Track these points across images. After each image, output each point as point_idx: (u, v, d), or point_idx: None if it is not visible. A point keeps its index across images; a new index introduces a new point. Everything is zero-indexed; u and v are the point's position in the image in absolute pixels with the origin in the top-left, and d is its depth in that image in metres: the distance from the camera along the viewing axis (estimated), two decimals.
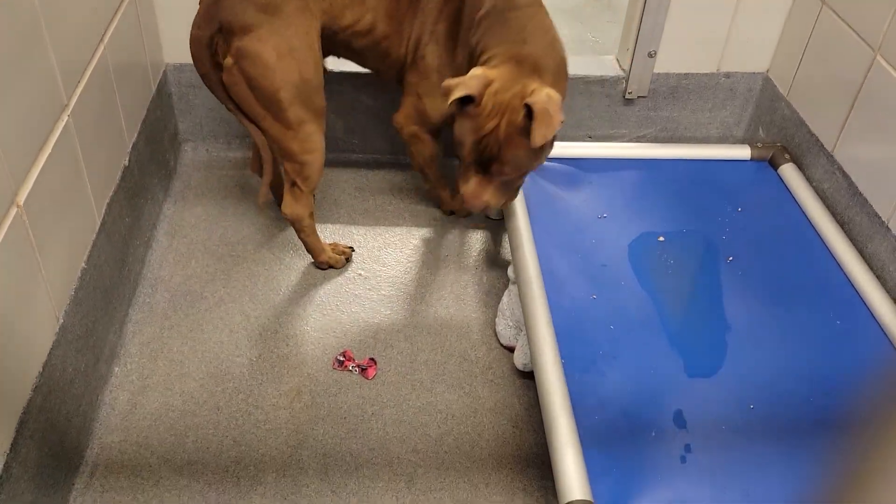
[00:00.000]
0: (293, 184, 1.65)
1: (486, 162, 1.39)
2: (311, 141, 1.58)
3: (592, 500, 1.16)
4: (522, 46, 1.41)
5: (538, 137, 1.30)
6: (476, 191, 1.43)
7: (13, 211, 1.16)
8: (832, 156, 1.79)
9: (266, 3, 1.45)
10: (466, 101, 1.37)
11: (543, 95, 1.32)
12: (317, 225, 1.78)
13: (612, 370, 1.40)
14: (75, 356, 1.37)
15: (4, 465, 1.11)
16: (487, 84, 1.35)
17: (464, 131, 1.38)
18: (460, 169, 1.47)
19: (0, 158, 1.12)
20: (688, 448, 1.28)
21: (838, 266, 1.63)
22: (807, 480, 1.23)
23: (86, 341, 1.43)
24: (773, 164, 1.92)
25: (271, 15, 1.45)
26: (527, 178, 1.80)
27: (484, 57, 1.44)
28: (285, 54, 1.47)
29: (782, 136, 2.01)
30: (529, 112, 1.32)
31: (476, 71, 1.37)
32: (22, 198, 1.18)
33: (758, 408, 1.35)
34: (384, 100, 2.04)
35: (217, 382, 1.55)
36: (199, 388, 1.54)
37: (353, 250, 1.86)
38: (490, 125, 1.35)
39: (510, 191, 1.51)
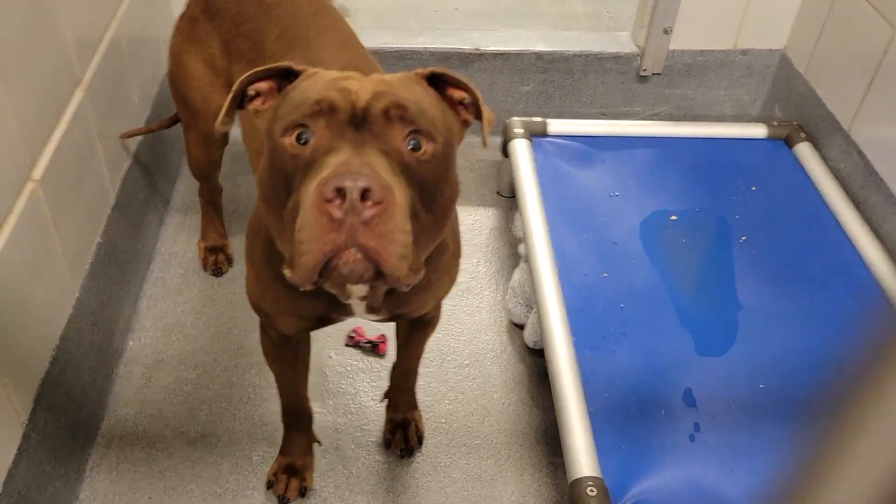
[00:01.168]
0: None
1: (361, 114, 0.82)
2: (188, 142, 1.58)
3: (601, 477, 1.17)
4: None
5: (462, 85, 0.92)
6: (351, 156, 0.80)
7: (29, 186, 1.17)
8: (849, 135, 1.77)
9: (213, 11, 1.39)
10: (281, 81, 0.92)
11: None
12: None
13: (623, 348, 1.41)
14: (91, 330, 1.39)
15: (23, 435, 1.13)
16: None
17: (307, 90, 0.86)
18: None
19: (15, 134, 1.13)
20: (697, 427, 1.29)
21: (852, 247, 1.62)
22: (815, 461, 1.23)
23: (101, 315, 1.45)
24: (789, 143, 1.90)
25: (204, 26, 1.40)
26: (538, 156, 1.79)
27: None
28: (186, 64, 1.44)
29: (799, 115, 1.99)
30: (431, 79, 0.92)
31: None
32: (38, 174, 1.19)
33: (768, 387, 1.35)
34: None
35: (230, 357, 1.57)
36: (212, 363, 1.55)
37: (230, 265, 1.74)
38: (351, 73, 0.90)
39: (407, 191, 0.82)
